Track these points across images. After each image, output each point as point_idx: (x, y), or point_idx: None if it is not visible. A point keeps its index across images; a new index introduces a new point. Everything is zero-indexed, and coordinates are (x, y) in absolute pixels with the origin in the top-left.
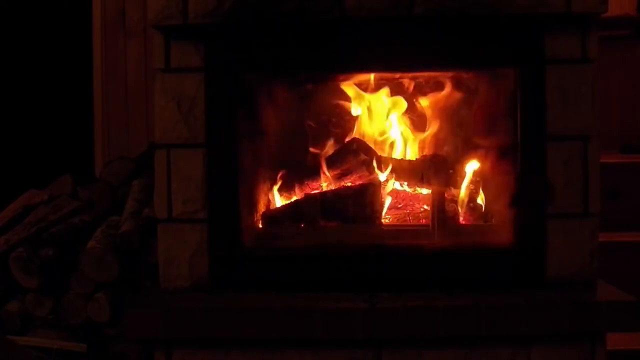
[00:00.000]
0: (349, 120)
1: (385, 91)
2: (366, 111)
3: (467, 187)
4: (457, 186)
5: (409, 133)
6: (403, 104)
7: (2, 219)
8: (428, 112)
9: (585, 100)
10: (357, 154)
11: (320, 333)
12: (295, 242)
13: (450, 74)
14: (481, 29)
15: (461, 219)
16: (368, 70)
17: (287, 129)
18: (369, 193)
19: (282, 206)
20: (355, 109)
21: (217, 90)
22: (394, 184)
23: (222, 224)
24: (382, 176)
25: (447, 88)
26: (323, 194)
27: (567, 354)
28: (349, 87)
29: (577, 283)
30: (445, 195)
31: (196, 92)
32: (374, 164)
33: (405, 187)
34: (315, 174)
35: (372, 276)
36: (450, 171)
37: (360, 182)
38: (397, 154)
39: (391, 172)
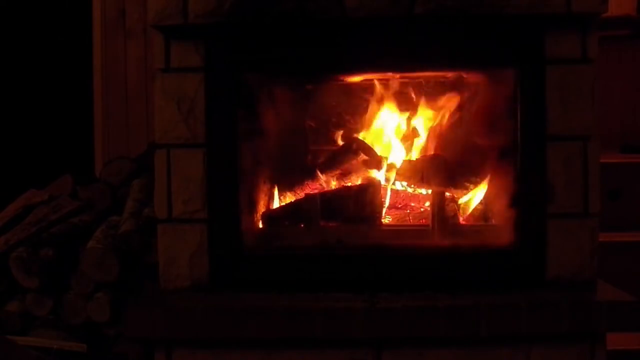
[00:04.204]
0: (349, 120)
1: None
2: (366, 111)
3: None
4: (457, 186)
5: (409, 133)
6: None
7: (2, 219)
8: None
9: (585, 100)
10: (357, 154)
11: (320, 333)
12: (295, 242)
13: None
14: (481, 29)
15: (461, 219)
16: (368, 70)
17: (287, 129)
18: (369, 193)
19: (282, 206)
20: (355, 109)
21: (217, 90)
22: (394, 184)
23: (222, 224)
24: (381, 176)
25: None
26: (323, 194)
27: (567, 354)
28: (349, 87)
29: (577, 283)
30: (445, 195)
31: (196, 92)
32: (374, 164)
33: (406, 187)
34: (315, 173)
35: (372, 276)
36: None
37: (361, 182)
38: (396, 154)
39: (391, 172)
